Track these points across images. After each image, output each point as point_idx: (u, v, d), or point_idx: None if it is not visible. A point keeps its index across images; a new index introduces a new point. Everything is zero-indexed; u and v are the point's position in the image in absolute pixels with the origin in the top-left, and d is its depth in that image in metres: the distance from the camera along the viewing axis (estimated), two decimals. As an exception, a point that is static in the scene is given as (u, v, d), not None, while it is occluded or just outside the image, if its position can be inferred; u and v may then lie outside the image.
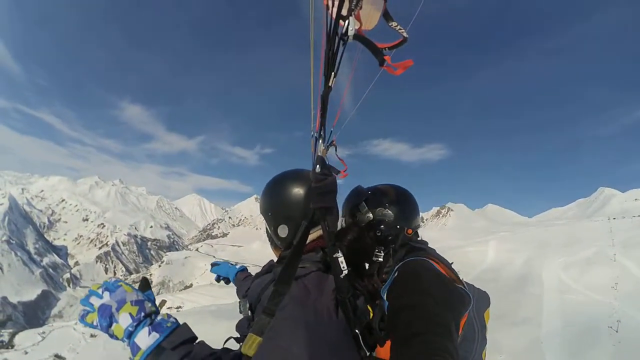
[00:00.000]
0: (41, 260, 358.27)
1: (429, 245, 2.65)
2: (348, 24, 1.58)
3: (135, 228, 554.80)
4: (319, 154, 1.85)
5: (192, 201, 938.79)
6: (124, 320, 1.53)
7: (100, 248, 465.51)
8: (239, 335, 2.30)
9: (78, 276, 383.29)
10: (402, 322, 1.77)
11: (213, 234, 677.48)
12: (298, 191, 2.08)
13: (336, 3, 1.57)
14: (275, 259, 2.34)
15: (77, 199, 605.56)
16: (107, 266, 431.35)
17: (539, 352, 14.84)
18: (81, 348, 27.69)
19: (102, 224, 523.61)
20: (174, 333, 1.61)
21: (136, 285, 1.74)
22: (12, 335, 33.98)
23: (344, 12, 1.58)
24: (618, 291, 17.19)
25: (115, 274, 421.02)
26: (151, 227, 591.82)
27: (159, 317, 1.62)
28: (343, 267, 1.79)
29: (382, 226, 2.61)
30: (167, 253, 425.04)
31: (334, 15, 1.59)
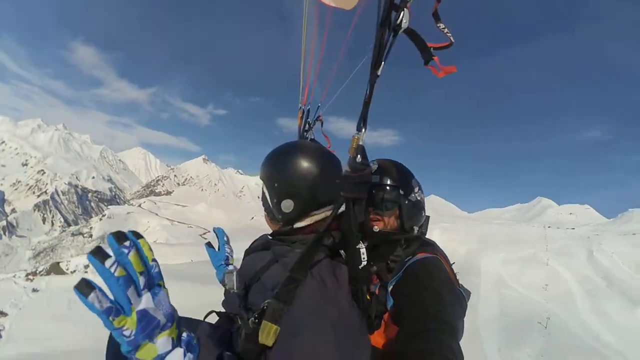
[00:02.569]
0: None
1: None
2: (403, 16, 1.56)
3: (77, 177, 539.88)
4: (360, 143, 1.72)
5: (137, 155, 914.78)
6: (163, 344, 1.17)
7: (39, 196, 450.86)
8: (221, 312, 2.30)
9: (14, 224, 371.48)
10: (412, 317, 1.88)
11: (157, 190, 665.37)
12: (312, 169, 2.02)
13: None
14: (270, 231, 2.29)
15: (17, 142, 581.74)
16: (45, 215, 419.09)
17: (477, 335, 15.89)
18: (23, 304, 26.91)
19: (43, 170, 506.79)
20: (202, 350, 1.42)
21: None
22: None
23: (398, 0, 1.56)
24: (548, 292, 18.53)
25: (52, 224, 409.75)
26: (93, 177, 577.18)
27: (184, 333, 1.28)
28: (364, 258, 1.79)
29: (420, 210, 2.61)
30: (109, 207, 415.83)
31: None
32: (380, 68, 1.62)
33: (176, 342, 1.20)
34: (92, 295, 0.98)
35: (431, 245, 2.46)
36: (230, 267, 2.92)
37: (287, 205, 2.03)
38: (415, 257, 2.27)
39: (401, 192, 2.55)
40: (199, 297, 20.91)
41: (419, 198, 2.59)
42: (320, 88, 3.28)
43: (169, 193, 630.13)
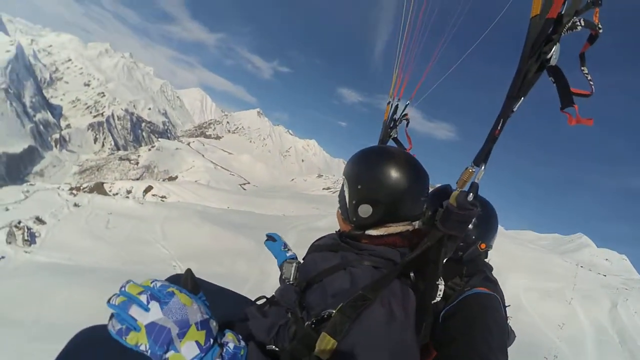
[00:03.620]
0: (34, 116, 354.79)
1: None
2: (554, 50, 1.48)
3: (134, 106, 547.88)
4: (476, 180, 1.64)
5: (194, 95, 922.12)
6: (188, 350, 1.21)
7: (95, 117, 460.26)
8: (270, 297, 2.30)
9: (67, 139, 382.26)
10: (457, 351, 1.96)
11: (207, 133, 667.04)
12: (401, 181, 1.91)
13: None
14: (340, 230, 2.26)
15: (83, 62, 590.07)
16: (97, 136, 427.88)
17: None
18: (63, 216, 27.43)
19: (103, 93, 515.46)
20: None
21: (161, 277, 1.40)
22: None
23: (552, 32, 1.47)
24: (563, 331, 18.28)
25: (103, 145, 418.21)
26: (149, 109, 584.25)
27: (230, 344, 1.35)
28: (439, 295, 1.76)
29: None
30: (159, 139, 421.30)
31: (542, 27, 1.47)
32: (518, 104, 1.56)
33: (205, 346, 1.25)
34: (110, 323, 1.19)
35: (493, 283, 2.52)
36: (291, 254, 2.90)
37: (365, 210, 1.96)
38: (475, 290, 2.33)
39: (473, 237, 2.67)
40: (228, 243, 21.45)
41: (490, 244, 2.71)
42: (412, 83, 3.01)
43: (218, 138, 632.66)
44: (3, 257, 22.88)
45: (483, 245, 2.74)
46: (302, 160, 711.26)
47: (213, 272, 16.21)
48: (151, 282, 1.27)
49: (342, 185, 2.13)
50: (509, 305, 2.47)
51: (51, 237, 24.70)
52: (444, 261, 1.96)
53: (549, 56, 1.47)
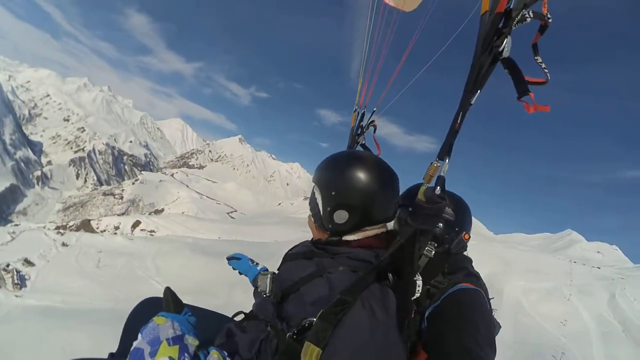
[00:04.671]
0: (15, 153, 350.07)
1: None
2: (505, 43, 1.53)
3: (115, 139, 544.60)
4: (442, 174, 1.68)
5: (175, 125, 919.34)
6: None
7: (76, 152, 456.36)
8: (248, 312, 2.30)
9: (49, 176, 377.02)
10: (446, 349, 1.97)
11: (190, 163, 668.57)
12: (373, 183, 1.94)
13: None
14: (312, 238, 2.28)
15: (62, 97, 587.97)
16: (80, 172, 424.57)
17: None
18: (52, 256, 27.01)
19: (83, 128, 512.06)
20: None
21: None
22: None
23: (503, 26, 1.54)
24: (566, 328, 18.34)
25: (85, 181, 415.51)
26: (130, 142, 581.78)
27: (210, 357, 1.42)
28: (418, 291, 1.76)
29: (440, 224, 2.57)
30: (143, 172, 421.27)
31: (490, 26, 1.54)
32: (475, 96, 1.61)
33: None
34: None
35: (476, 277, 2.49)
36: (262, 267, 2.86)
37: (341, 216, 1.96)
38: (458, 286, 2.31)
39: (456, 229, 2.63)
40: (223, 274, 21.07)
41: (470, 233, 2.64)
42: (377, 91, 3.20)
43: (201, 167, 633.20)
44: (-7, 302, 22.54)
45: (467, 236, 2.71)
46: (287, 184, 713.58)
47: (210, 304, 15.69)
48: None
49: (313, 192, 2.13)
50: (492, 298, 2.47)
51: (41, 279, 23.97)
52: (430, 259, 2.17)
53: (500, 49, 1.54)
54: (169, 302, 1.47)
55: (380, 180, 1.97)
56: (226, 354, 1.50)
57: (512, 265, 24.69)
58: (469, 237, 2.73)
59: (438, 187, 1.67)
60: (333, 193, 1.97)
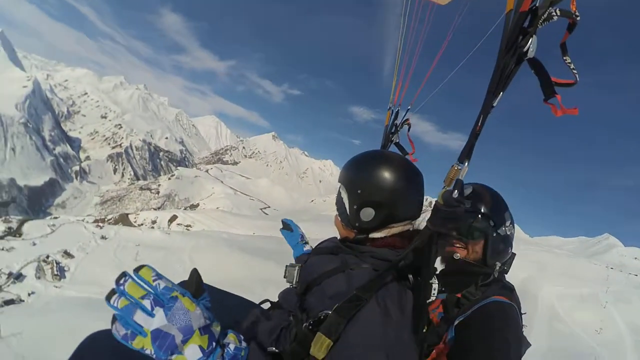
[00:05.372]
0: (54, 149, 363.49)
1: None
2: (531, 43, 1.45)
3: (151, 136, 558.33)
4: (460, 177, 1.59)
5: (209, 122, 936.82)
6: (191, 354, 1.24)
7: (113, 148, 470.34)
8: (276, 301, 2.34)
9: (87, 170, 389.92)
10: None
11: (224, 159, 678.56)
12: (399, 182, 1.94)
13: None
14: (338, 236, 2.27)
15: (99, 95, 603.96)
16: (117, 167, 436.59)
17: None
18: (91, 249, 27.42)
19: (120, 124, 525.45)
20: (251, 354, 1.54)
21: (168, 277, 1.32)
22: (21, 223, 32.82)
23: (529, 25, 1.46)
24: (601, 336, 17.95)
25: (123, 176, 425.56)
26: (166, 138, 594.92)
27: (230, 345, 1.40)
28: (433, 294, 1.72)
29: (506, 245, 2.49)
30: (178, 168, 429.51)
31: (513, 26, 1.46)
32: (498, 98, 1.52)
33: (207, 350, 1.27)
34: (114, 327, 1.18)
35: (510, 290, 2.40)
36: (308, 249, 2.92)
37: (368, 214, 1.96)
38: (492, 299, 2.24)
39: (491, 223, 2.47)
40: (258, 271, 21.15)
41: (508, 233, 2.50)
42: (410, 89, 3.18)
43: (235, 163, 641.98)
44: (33, 293, 22.84)
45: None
46: (320, 181, 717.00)
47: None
48: (153, 280, 1.25)
49: (339, 192, 2.15)
50: (524, 313, 2.36)
51: (80, 271, 24.45)
52: (478, 275, 2.32)
53: (525, 49, 1.45)
54: (192, 285, 1.37)
55: (405, 178, 1.97)
56: (242, 337, 1.48)
57: (547, 269, 24.23)
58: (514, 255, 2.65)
59: (456, 191, 1.57)
60: (359, 191, 1.98)
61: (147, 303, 1.19)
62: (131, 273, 1.24)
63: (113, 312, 1.14)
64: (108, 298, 1.20)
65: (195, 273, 1.40)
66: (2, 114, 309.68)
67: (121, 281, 1.21)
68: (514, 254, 2.57)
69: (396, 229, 1.99)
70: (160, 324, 1.19)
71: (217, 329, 1.35)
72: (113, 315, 1.18)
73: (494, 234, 2.44)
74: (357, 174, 2.03)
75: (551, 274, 23.93)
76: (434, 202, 1.65)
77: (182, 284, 1.49)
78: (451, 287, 2.37)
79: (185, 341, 1.23)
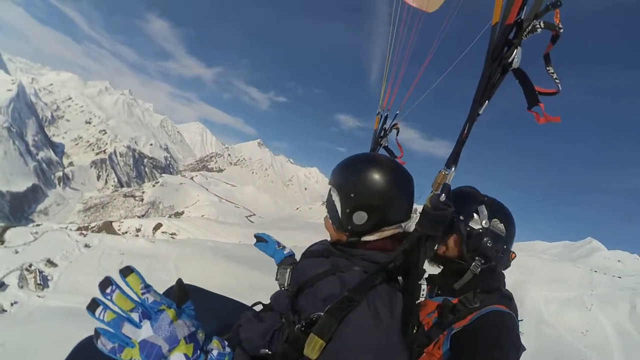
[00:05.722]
0: (37, 154, 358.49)
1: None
2: (515, 54, 1.53)
3: (136, 142, 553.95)
4: (447, 181, 1.68)
5: (194, 129, 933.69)
6: None
7: (97, 154, 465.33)
8: (267, 304, 2.33)
9: (70, 177, 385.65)
10: None
11: (209, 166, 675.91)
12: (391, 185, 1.96)
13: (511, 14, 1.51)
14: (329, 238, 2.29)
15: (84, 100, 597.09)
16: (100, 173, 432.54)
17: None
18: (74, 257, 27.07)
19: (104, 130, 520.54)
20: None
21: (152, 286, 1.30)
22: (3, 230, 32.09)
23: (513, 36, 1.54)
24: (588, 338, 18.18)
25: (106, 182, 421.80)
26: (151, 144, 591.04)
27: (214, 351, 1.38)
28: (422, 295, 1.76)
29: (490, 241, 2.46)
30: (163, 175, 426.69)
31: (499, 36, 1.55)
32: (484, 107, 1.61)
33: (192, 357, 1.28)
34: (99, 342, 1.16)
35: (508, 299, 2.43)
36: (288, 251, 3.00)
37: (360, 217, 1.97)
38: (492, 308, 2.25)
39: (461, 217, 2.50)
40: (244, 279, 21.13)
41: (484, 226, 2.48)
42: (399, 95, 3.27)
43: (220, 170, 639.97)
44: (16, 302, 22.45)
45: (513, 255, 2.65)
46: (305, 189, 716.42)
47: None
48: (142, 293, 1.24)
49: (330, 194, 2.14)
50: (521, 320, 2.38)
51: (64, 279, 24.11)
52: (473, 275, 2.35)
53: (510, 60, 1.53)
54: (176, 294, 1.37)
55: (397, 182, 1.99)
56: (226, 343, 1.47)
57: (533, 274, 24.46)
58: (515, 255, 2.68)
59: (443, 194, 1.66)
60: (352, 195, 1.98)
61: (135, 316, 1.22)
62: (118, 280, 1.23)
63: (96, 322, 1.21)
64: (92, 310, 1.17)
65: (179, 283, 1.42)
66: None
67: (108, 291, 1.19)
68: (507, 251, 2.57)
69: (387, 232, 2.02)
70: (147, 335, 1.21)
71: (201, 336, 1.37)
72: (95, 330, 1.18)
73: (467, 229, 2.49)
74: (350, 177, 2.03)
75: (537, 278, 24.16)
76: (421, 206, 1.73)
77: (168, 292, 1.73)
78: (446, 289, 2.47)
79: (171, 350, 1.25)
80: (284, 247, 3.04)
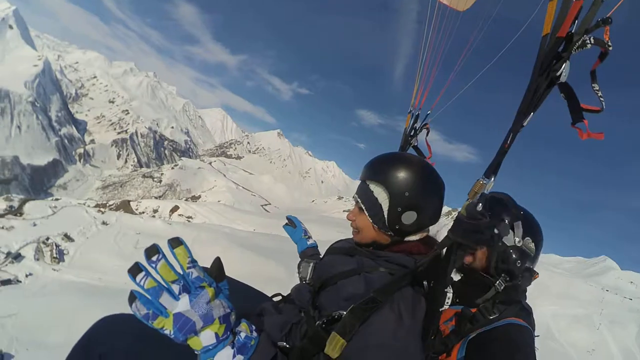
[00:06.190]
0: (59, 129, 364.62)
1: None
2: (564, 68, 1.47)
3: (157, 124, 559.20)
4: (485, 191, 1.58)
5: (216, 115, 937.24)
6: (206, 338, 1.30)
7: (119, 133, 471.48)
8: (287, 295, 2.35)
9: (90, 154, 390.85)
10: None
11: (228, 153, 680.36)
12: (439, 188, 2.01)
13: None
14: (346, 235, 2.30)
15: (108, 80, 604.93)
16: (121, 152, 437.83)
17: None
18: (91, 233, 27.32)
19: (127, 110, 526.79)
20: (257, 351, 1.51)
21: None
22: (23, 203, 32.49)
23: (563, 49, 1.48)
24: (593, 358, 18.03)
25: (126, 162, 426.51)
26: (172, 127, 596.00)
27: (242, 334, 1.42)
28: (447, 302, 1.70)
29: (519, 260, 2.37)
30: (182, 158, 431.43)
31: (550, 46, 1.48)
32: (528, 119, 1.54)
33: (222, 337, 1.33)
34: (134, 305, 1.20)
35: (527, 313, 2.36)
36: (312, 242, 2.98)
37: (410, 216, 1.93)
38: (510, 320, 2.20)
39: (495, 230, 2.38)
40: (258, 268, 21.08)
41: (516, 244, 2.38)
42: (428, 96, 3.24)
43: (239, 158, 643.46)
44: (30, 274, 22.58)
45: (536, 275, 2.46)
46: (322, 182, 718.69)
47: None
48: (188, 267, 1.28)
49: (370, 191, 2.04)
50: (537, 336, 2.30)
51: (80, 255, 24.27)
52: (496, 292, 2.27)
53: (558, 73, 1.49)
54: (214, 271, 1.41)
55: (442, 186, 2.03)
56: (254, 327, 1.52)
57: (544, 288, 24.32)
58: (538, 276, 2.51)
59: (480, 204, 1.56)
60: (407, 194, 1.93)
61: (175, 288, 1.25)
62: (165, 249, 1.27)
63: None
64: (133, 274, 1.21)
65: (218, 261, 1.44)
66: (11, 91, 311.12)
67: (154, 258, 1.23)
68: (532, 271, 2.43)
69: (423, 233, 2.02)
70: (183, 309, 1.25)
71: (233, 318, 1.40)
72: (131, 292, 1.20)
73: (499, 243, 2.38)
74: (407, 176, 1.96)
75: (548, 292, 24.09)
76: (455, 213, 1.70)
77: (204, 270, 1.51)
78: (465, 298, 2.37)
79: (204, 327, 1.29)
80: (309, 237, 3.02)
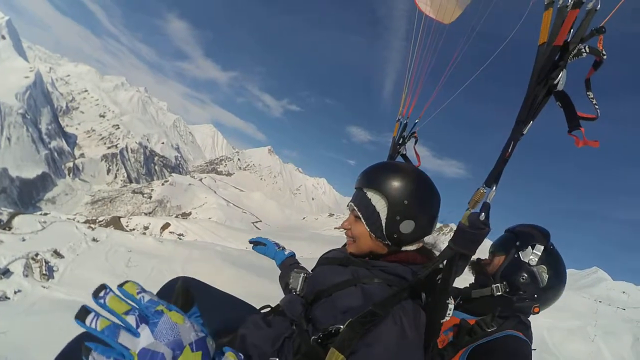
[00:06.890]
0: (49, 142, 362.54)
1: None
2: (561, 77, 1.52)
3: (148, 139, 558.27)
4: (488, 200, 1.59)
5: (206, 131, 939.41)
6: None
7: (109, 148, 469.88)
8: (275, 306, 2.22)
9: (80, 168, 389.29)
10: None
11: (218, 169, 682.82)
12: (436, 198, 2.00)
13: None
14: (346, 241, 2.17)
15: (99, 94, 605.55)
16: (110, 167, 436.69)
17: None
18: (81, 250, 26.92)
19: (117, 125, 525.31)
20: None
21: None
22: (12, 217, 32.41)
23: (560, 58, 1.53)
24: None
25: (116, 177, 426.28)
26: (162, 143, 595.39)
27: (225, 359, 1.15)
28: (448, 314, 1.70)
29: (526, 279, 2.41)
30: (172, 174, 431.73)
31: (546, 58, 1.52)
32: (527, 127, 1.58)
33: None
34: (90, 358, 0.93)
35: (525, 326, 2.38)
36: (289, 252, 2.95)
37: (409, 226, 1.91)
38: (509, 332, 2.25)
39: (517, 243, 2.47)
40: (251, 287, 20.85)
41: (530, 263, 2.41)
42: (417, 105, 3.30)
43: (229, 174, 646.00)
44: (19, 291, 22.22)
45: (536, 309, 2.50)
46: (312, 199, 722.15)
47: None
48: (137, 293, 1.03)
49: (368, 200, 2.00)
50: (535, 349, 2.34)
51: (70, 272, 23.83)
52: (489, 296, 2.42)
53: (555, 82, 1.54)
54: (179, 300, 1.14)
55: (439, 197, 2.02)
56: (242, 356, 1.21)
57: (538, 301, 24.84)
58: (538, 311, 2.53)
59: (483, 214, 1.57)
60: (406, 202, 1.91)
61: (131, 319, 0.98)
62: (113, 287, 1.02)
63: (84, 343, 1.01)
64: (81, 319, 0.93)
65: (181, 286, 1.18)
66: (2, 102, 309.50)
67: (101, 294, 0.98)
68: (535, 302, 2.46)
69: (419, 243, 2.02)
70: (147, 343, 0.97)
71: (212, 345, 1.10)
72: (85, 346, 0.92)
73: (515, 255, 2.45)
74: (406, 184, 1.94)
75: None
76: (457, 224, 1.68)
77: (165, 290, 1.67)
78: (469, 312, 2.47)
79: (176, 358, 0.99)
80: (283, 248, 3.00)
